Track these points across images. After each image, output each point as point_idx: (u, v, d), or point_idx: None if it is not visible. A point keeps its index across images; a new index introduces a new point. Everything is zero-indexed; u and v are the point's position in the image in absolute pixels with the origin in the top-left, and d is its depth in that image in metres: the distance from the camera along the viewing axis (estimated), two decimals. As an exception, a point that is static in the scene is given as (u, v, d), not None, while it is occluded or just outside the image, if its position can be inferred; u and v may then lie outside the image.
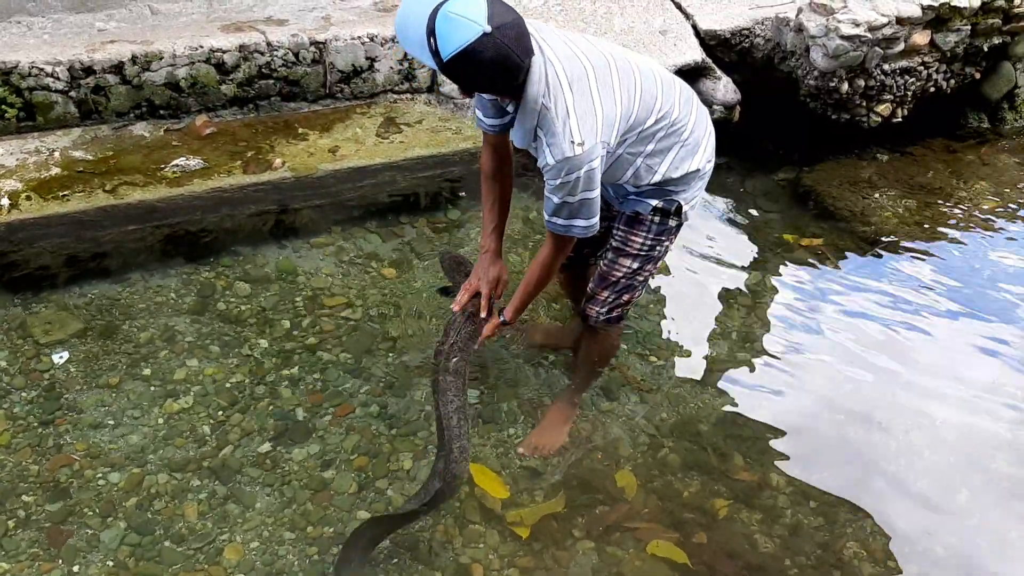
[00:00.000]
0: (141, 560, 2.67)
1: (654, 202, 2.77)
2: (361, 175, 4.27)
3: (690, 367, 3.54)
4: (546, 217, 2.55)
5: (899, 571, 2.83)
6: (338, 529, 2.80)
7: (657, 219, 2.81)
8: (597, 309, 3.02)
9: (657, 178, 2.69)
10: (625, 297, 3.01)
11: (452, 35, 2.18)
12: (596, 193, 2.46)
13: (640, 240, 2.86)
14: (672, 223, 2.83)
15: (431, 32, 2.20)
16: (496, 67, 2.23)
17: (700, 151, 2.74)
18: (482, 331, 2.91)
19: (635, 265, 2.92)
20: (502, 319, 2.88)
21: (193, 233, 3.95)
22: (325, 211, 4.20)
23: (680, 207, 2.79)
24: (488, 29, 2.16)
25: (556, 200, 2.47)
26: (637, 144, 2.59)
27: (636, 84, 2.50)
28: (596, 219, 2.53)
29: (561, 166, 2.38)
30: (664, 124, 2.60)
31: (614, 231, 2.93)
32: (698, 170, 2.75)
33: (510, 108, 2.53)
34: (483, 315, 2.91)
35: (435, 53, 2.22)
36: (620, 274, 2.94)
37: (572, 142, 2.35)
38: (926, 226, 4.47)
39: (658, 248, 2.90)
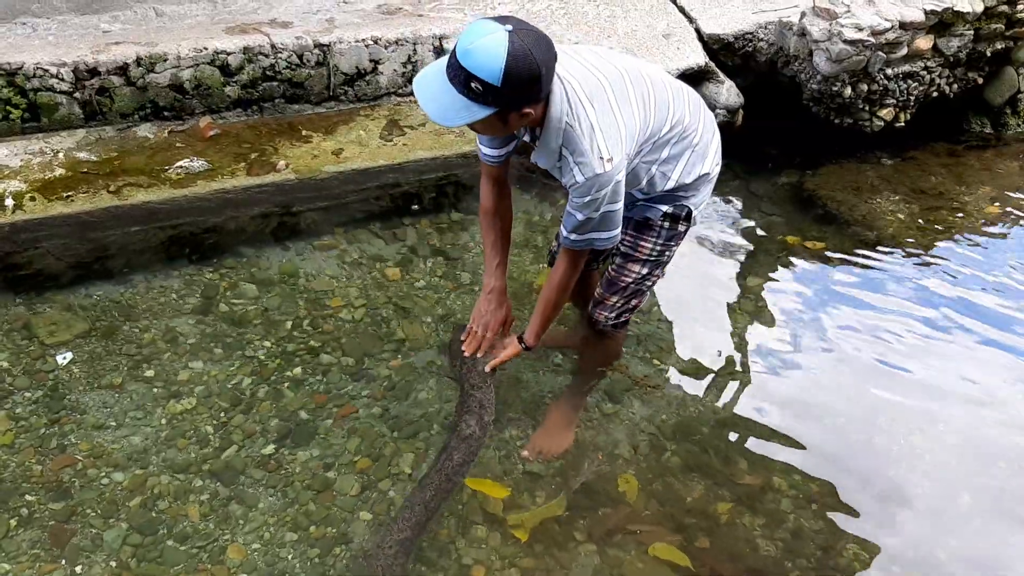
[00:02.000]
0: (143, 560, 2.67)
1: (665, 208, 2.78)
2: (364, 177, 4.28)
3: (692, 370, 3.55)
4: (564, 234, 2.55)
5: (902, 575, 2.83)
6: (341, 530, 2.80)
7: (667, 224, 2.82)
8: (606, 314, 3.03)
9: (671, 185, 2.70)
10: (633, 302, 3.02)
11: (488, 56, 2.11)
12: (620, 205, 2.46)
13: (650, 246, 2.87)
14: (682, 228, 2.84)
15: (468, 77, 2.13)
16: (541, 53, 2.17)
17: (710, 155, 2.76)
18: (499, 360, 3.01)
19: (644, 271, 2.93)
20: (523, 345, 2.91)
21: (197, 234, 3.96)
22: (328, 213, 4.21)
23: (690, 212, 2.79)
24: (508, 27, 2.14)
25: (580, 217, 2.46)
26: (652, 152, 2.60)
27: (650, 94, 2.51)
28: (618, 231, 2.54)
29: (591, 183, 2.37)
30: (677, 131, 2.61)
31: (622, 237, 2.93)
32: (707, 174, 2.77)
33: (525, 137, 2.52)
34: (480, 356, 3.01)
35: (487, 89, 2.13)
36: (630, 280, 2.95)
37: (601, 158, 2.33)
38: (929, 231, 4.48)
39: (667, 253, 2.91)
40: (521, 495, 2.99)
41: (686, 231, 2.88)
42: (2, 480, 2.86)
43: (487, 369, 3.02)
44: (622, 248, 2.94)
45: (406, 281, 3.88)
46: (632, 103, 2.43)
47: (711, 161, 2.77)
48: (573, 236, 2.53)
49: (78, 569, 2.64)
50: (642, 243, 2.88)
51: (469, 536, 2.83)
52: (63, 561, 2.65)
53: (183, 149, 4.19)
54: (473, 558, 2.77)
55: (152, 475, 2.93)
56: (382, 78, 4.74)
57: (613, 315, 3.02)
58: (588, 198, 2.41)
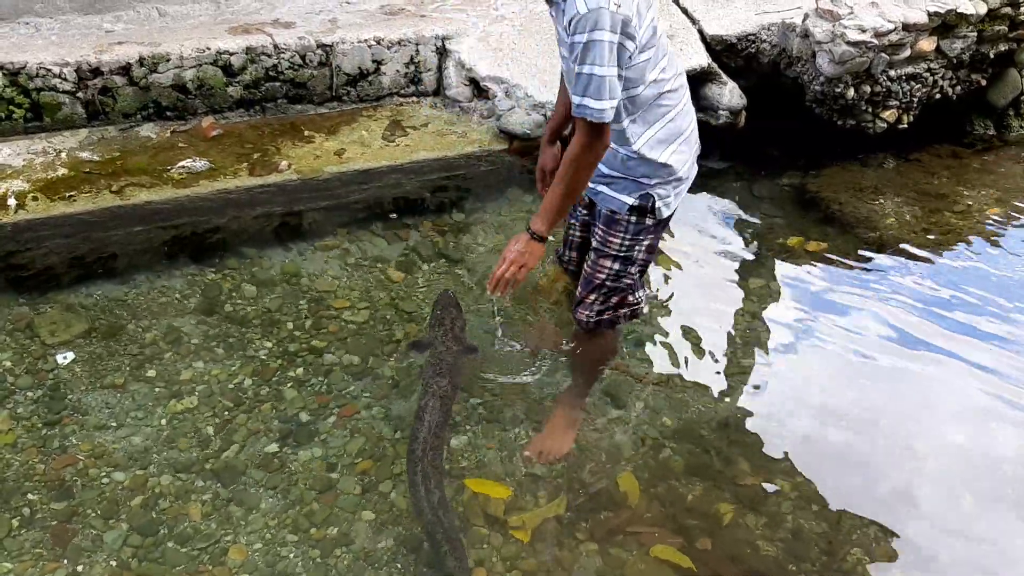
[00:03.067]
0: (144, 561, 2.67)
1: (630, 200, 2.78)
2: (367, 178, 4.28)
3: (693, 371, 3.54)
4: (576, 102, 2.50)
5: (903, 578, 2.83)
6: (342, 531, 2.80)
7: (634, 219, 2.83)
8: (586, 313, 3.03)
9: (637, 145, 2.69)
10: (614, 300, 3.01)
11: None
12: (607, 74, 2.42)
13: (618, 241, 2.88)
14: (648, 221, 2.84)
15: None
16: None
17: (678, 143, 2.75)
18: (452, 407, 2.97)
19: (616, 266, 2.93)
20: (534, 235, 2.71)
21: (199, 234, 3.96)
22: (331, 213, 4.21)
23: (655, 202, 2.79)
24: None
25: (585, 71, 2.43)
26: (632, 107, 2.62)
27: (658, 28, 2.59)
28: (606, 107, 2.46)
29: (592, 16, 2.35)
30: (660, 88, 2.63)
31: (594, 231, 2.93)
32: (671, 166, 2.75)
33: None
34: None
35: None
36: (603, 276, 2.96)
37: None
38: (931, 233, 4.47)
39: (637, 248, 2.91)
40: (523, 496, 2.98)
41: (654, 226, 2.87)
42: (4, 479, 2.86)
43: (489, 288, 2.84)
44: (594, 243, 2.96)
45: (408, 282, 3.88)
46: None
47: (680, 155, 2.77)
48: (586, 100, 2.48)
49: (80, 568, 2.63)
50: (611, 239, 2.89)
51: (471, 537, 2.82)
52: (65, 561, 2.65)
53: (185, 149, 4.20)
54: (475, 559, 2.76)
55: (153, 475, 2.93)
56: (385, 79, 4.74)
57: (594, 314, 3.02)
58: (586, 37, 2.38)
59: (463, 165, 4.45)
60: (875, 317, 3.90)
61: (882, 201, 4.69)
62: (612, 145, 2.74)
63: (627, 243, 2.88)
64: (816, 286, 4.09)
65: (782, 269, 4.20)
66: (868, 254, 4.30)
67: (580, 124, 2.54)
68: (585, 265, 3.03)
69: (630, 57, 2.52)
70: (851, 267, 4.22)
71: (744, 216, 4.61)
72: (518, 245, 2.72)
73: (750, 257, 4.29)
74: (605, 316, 3.04)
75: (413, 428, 2.92)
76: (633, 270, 2.97)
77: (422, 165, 4.39)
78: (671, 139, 2.75)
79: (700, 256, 4.23)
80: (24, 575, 2.60)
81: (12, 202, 3.71)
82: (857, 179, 4.90)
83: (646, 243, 2.92)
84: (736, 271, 4.17)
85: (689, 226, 4.46)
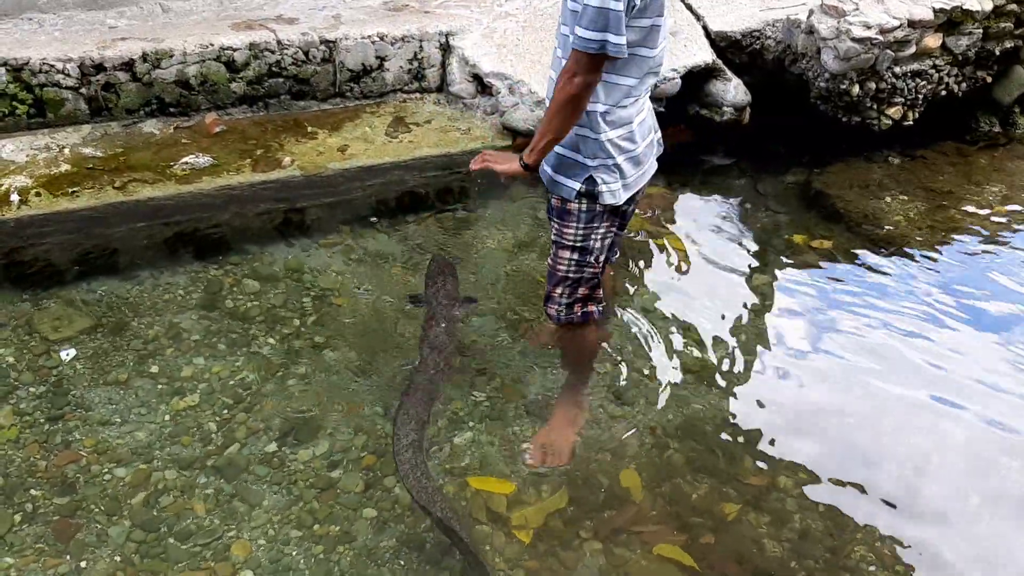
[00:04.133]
0: (147, 557, 2.67)
1: (577, 185, 2.79)
2: (370, 174, 4.27)
3: (697, 369, 3.53)
4: (578, 33, 2.47)
5: (908, 576, 2.82)
6: (344, 528, 2.79)
7: (584, 205, 2.84)
8: (555, 307, 3.05)
9: (598, 108, 2.68)
10: (581, 291, 3.01)
11: None
12: (612, 8, 2.40)
13: (572, 231, 2.91)
14: (599, 208, 2.84)
15: None
16: None
17: (623, 129, 2.73)
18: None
19: (575, 256, 2.94)
20: (522, 163, 2.76)
21: (202, 231, 3.96)
22: (334, 210, 4.20)
23: (597, 187, 2.79)
24: None
25: (594, 5, 2.41)
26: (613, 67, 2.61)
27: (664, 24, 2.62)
28: (602, 41, 2.44)
29: None
30: (640, 68, 2.64)
31: (551, 223, 2.96)
32: (611, 148, 2.73)
33: None
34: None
35: None
36: (563, 267, 2.98)
37: None
38: (937, 230, 4.45)
39: (593, 237, 2.91)
40: (526, 492, 2.97)
41: (604, 213, 2.87)
42: (7, 475, 2.86)
43: (472, 166, 2.99)
44: (552, 236, 2.99)
45: (411, 278, 3.87)
46: None
47: (626, 146, 2.76)
48: (587, 33, 2.44)
49: (83, 564, 2.63)
50: (566, 229, 2.92)
51: (473, 535, 2.81)
52: (67, 556, 2.65)
53: (189, 145, 4.19)
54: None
55: (156, 471, 2.92)
56: (388, 75, 4.73)
57: (563, 308, 3.03)
58: None
59: (466, 162, 4.42)
60: (881, 314, 3.89)
61: (887, 198, 4.67)
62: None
63: (581, 232, 2.90)
64: (821, 283, 4.07)
65: (787, 266, 4.18)
66: (873, 251, 4.28)
67: (580, 56, 2.52)
68: (548, 259, 3.05)
69: (634, 8, 2.49)
70: (856, 264, 4.21)
71: (749, 213, 4.59)
72: (507, 164, 2.86)
73: (754, 254, 4.27)
74: (576, 310, 3.04)
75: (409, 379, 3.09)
76: (591, 259, 2.98)
77: (425, 161, 4.38)
78: (619, 124, 2.75)
79: (704, 253, 4.22)
80: (26, 570, 2.59)
81: (15, 198, 3.71)
82: (862, 176, 4.88)
83: (600, 231, 2.93)
84: (741, 268, 4.15)
85: (694, 223, 4.45)
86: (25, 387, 3.17)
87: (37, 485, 2.84)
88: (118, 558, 2.66)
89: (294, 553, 2.71)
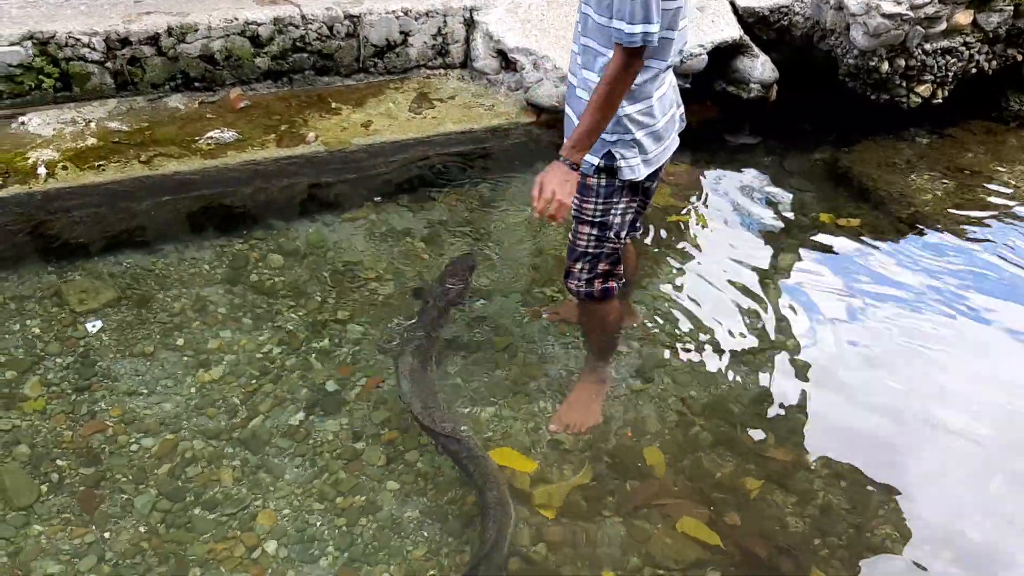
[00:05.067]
0: (172, 527, 2.69)
1: (595, 160, 2.75)
2: (393, 150, 4.27)
3: (722, 346, 3.51)
4: (626, 31, 2.46)
5: (932, 555, 2.79)
6: (368, 499, 2.80)
7: (603, 181, 2.81)
8: (575, 283, 3.02)
9: None
10: (601, 267, 2.98)
11: None
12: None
13: (591, 206, 2.87)
14: (618, 183, 2.81)
15: None
16: None
17: (643, 104, 2.70)
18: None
19: (595, 232, 2.91)
20: (571, 165, 2.64)
21: (226, 205, 3.97)
22: (357, 185, 4.20)
23: (616, 162, 2.75)
24: None
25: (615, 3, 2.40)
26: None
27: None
28: (639, 31, 2.41)
29: None
30: (669, 46, 2.61)
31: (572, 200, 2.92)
32: (630, 123, 2.70)
33: None
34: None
35: None
36: (583, 242, 2.94)
37: None
38: (965, 209, 4.40)
39: (612, 212, 2.88)
40: (549, 468, 2.97)
41: (623, 188, 2.84)
42: (34, 445, 2.88)
43: (537, 215, 2.76)
44: (573, 212, 2.94)
45: (434, 254, 3.87)
46: None
47: (645, 121, 2.72)
48: (633, 28, 2.40)
49: (107, 534, 2.65)
50: (585, 204, 2.88)
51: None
52: (93, 526, 2.67)
53: (213, 120, 4.20)
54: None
55: (183, 441, 2.94)
56: (412, 50, 4.71)
57: (583, 283, 3.00)
58: None
59: (490, 138, 4.43)
60: (907, 294, 3.85)
61: (915, 177, 4.61)
62: (587, 91, 2.71)
63: (600, 207, 2.87)
64: (848, 262, 4.04)
65: (813, 245, 4.15)
66: (901, 229, 4.24)
67: (625, 52, 2.50)
68: (569, 234, 3.02)
69: None
70: (883, 243, 4.16)
71: (775, 191, 4.55)
72: (556, 175, 2.69)
73: (781, 232, 4.24)
74: (596, 286, 3.02)
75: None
76: (611, 235, 2.95)
77: (449, 138, 4.37)
78: (638, 99, 2.72)
79: (731, 230, 4.19)
80: (53, 539, 2.62)
81: (42, 171, 3.73)
82: (890, 154, 4.82)
83: (620, 206, 2.90)
84: (767, 246, 4.12)
85: (719, 200, 4.42)
86: (52, 358, 3.20)
87: (63, 455, 2.87)
88: (143, 528, 2.68)
89: (318, 524, 2.73)
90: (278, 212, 4.01)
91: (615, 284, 3.09)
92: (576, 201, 2.92)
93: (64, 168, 3.77)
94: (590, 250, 2.97)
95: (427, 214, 4.12)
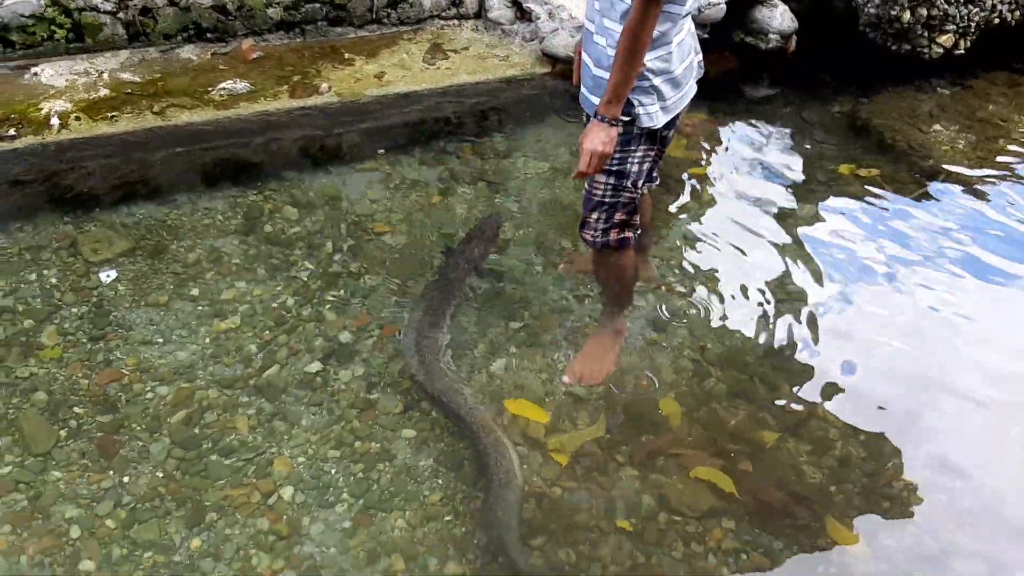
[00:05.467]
0: (188, 473, 2.71)
1: None
2: (407, 101, 4.23)
3: (738, 297, 3.48)
4: None
5: (950, 504, 2.78)
6: (384, 447, 2.81)
7: (621, 129, 2.75)
8: (591, 233, 2.99)
9: None
10: (618, 216, 2.95)
11: None
12: None
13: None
14: (636, 131, 2.77)
15: None
16: None
17: (661, 51, 2.65)
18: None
19: (612, 181, 2.87)
20: (609, 121, 2.63)
21: (240, 156, 3.94)
22: (370, 137, 4.17)
23: (634, 109, 2.71)
24: None
25: None
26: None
27: None
28: None
29: None
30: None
31: None
32: (647, 71, 2.66)
33: None
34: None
35: None
36: (600, 191, 2.90)
37: None
38: (986, 160, 4.32)
39: (630, 160, 2.84)
40: (562, 419, 2.97)
41: (641, 136, 2.80)
42: (51, 392, 2.90)
43: (572, 177, 2.87)
44: None
45: (447, 206, 3.84)
46: None
47: (663, 67, 2.67)
48: None
49: (126, 479, 2.68)
50: None
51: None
52: (111, 472, 2.69)
53: (226, 71, 4.17)
54: (515, 478, 2.76)
55: (199, 390, 2.95)
56: (425, 0, 4.64)
57: (599, 233, 2.97)
58: None
59: (504, 89, 4.38)
60: (927, 245, 3.81)
61: (936, 128, 4.54)
62: (605, 36, 2.66)
63: (618, 155, 2.82)
64: (867, 213, 3.99)
65: (832, 196, 4.09)
66: (921, 181, 4.18)
67: (646, 5, 2.46)
68: (584, 184, 2.97)
69: None
70: (902, 195, 4.11)
71: (794, 142, 4.49)
72: (598, 135, 2.66)
73: (800, 183, 4.18)
74: (612, 236, 2.98)
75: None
76: (627, 183, 2.91)
77: (463, 89, 4.32)
78: (656, 45, 2.67)
79: (748, 181, 4.14)
80: (73, 483, 2.64)
81: (55, 122, 3.71)
82: (911, 105, 4.74)
83: (638, 155, 2.85)
84: (786, 197, 4.07)
85: (737, 151, 4.37)
86: (68, 307, 3.20)
87: (80, 403, 2.89)
88: (160, 474, 2.70)
89: (334, 471, 2.74)
90: (292, 163, 3.99)
91: (631, 234, 3.06)
92: None
93: (77, 119, 3.76)
94: (607, 199, 2.93)
95: (441, 166, 4.09)
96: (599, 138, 2.63)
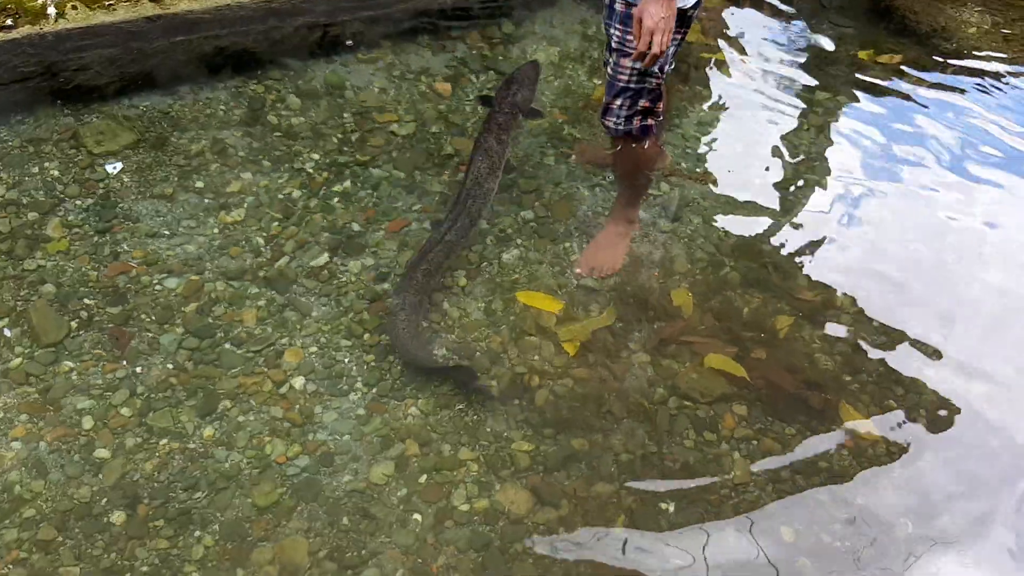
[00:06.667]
0: (200, 363, 2.71)
1: None
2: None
3: (754, 186, 3.42)
4: None
5: (965, 390, 2.77)
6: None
7: None
8: (613, 120, 2.93)
9: None
10: (642, 103, 2.87)
11: None
12: None
13: (634, 38, 2.72)
14: None
15: None
16: None
17: None
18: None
19: (637, 65, 2.78)
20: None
21: (241, 45, 3.82)
22: (375, 24, 4.03)
23: None
24: None
25: None
26: None
27: None
28: None
29: None
30: None
31: (611, 32, 2.78)
32: None
33: None
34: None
35: None
36: (625, 76, 2.82)
37: None
38: (1013, 42, 4.17)
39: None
40: (574, 309, 2.95)
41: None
42: (60, 284, 2.88)
43: (643, 64, 2.71)
44: (612, 44, 2.82)
45: (455, 95, 3.75)
46: None
47: None
48: None
49: (138, 370, 2.68)
50: (628, 36, 2.74)
51: (521, 345, 2.81)
52: (124, 362, 2.69)
53: (224, -45, 4.01)
54: (527, 367, 2.76)
55: (208, 282, 2.93)
56: None
57: (622, 120, 2.90)
58: None
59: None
60: (949, 133, 3.71)
61: (961, 9, 4.36)
62: None
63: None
64: (887, 101, 3.87)
65: (851, 82, 3.97)
66: (944, 66, 4.05)
67: None
68: (607, 69, 2.88)
69: None
70: (924, 81, 3.98)
71: (811, 27, 4.33)
72: (657, 10, 2.53)
73: (817, 69, 4.05)
74: (635, 123, 2.90)
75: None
76: (656, 69, 2.82)
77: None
78: None
79: (764, 68, 4.01)
80: (86, 374, 2.65)
81: (52, 11, 3.60)
82: (935, -15, 4.55)
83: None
84: (802, 84, 3.95)
85: (753, 37, 4.22)
86: (72, 200, 3.16)
87: (90, 294, 2.87)
88: (171, 365, 2.70)
89: (346, 360, 2.74)
90: (294, 52, 3.87)
91: (654, 122, 2.99)
92: (618, 33, 2.79)
93: (74, 8, 3.63)
94: (632, 85, 2.85)
95: (448, 53, 3.97)
96: (659, 11, 2.50)
